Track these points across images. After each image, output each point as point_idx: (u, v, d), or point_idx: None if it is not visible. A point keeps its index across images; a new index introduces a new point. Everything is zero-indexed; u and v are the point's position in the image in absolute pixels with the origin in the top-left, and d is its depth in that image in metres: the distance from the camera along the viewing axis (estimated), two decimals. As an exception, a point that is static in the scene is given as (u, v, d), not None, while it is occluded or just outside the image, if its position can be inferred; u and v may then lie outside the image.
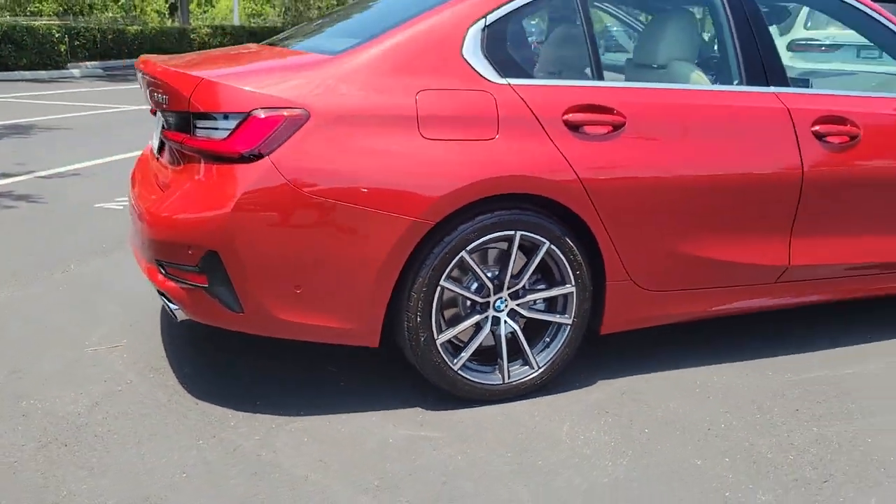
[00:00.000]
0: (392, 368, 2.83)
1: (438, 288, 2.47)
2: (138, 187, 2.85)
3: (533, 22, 3.47)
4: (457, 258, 2.47)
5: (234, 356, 2.94)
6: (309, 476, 2.20)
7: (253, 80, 2.39)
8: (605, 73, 2.73)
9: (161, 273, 2.49)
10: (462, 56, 2.51)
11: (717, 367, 2.95)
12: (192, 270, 2.40)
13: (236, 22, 28.49)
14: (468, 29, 2.54)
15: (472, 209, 2.44)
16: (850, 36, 6.49)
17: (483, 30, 2.56)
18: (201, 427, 2.44)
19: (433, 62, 2.49)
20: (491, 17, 2.58)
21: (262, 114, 2.30)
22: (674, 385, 2.80)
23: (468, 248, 2.47)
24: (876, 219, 3.04)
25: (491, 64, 2.54)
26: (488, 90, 2.50)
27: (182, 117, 2.44)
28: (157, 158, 2.82)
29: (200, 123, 2.38)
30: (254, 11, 40.04)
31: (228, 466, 2.23)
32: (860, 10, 3.13)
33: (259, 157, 2.30)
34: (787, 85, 2.92)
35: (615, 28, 4.05)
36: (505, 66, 2.56)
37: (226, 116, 2.34)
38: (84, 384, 2.70)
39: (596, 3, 2.93)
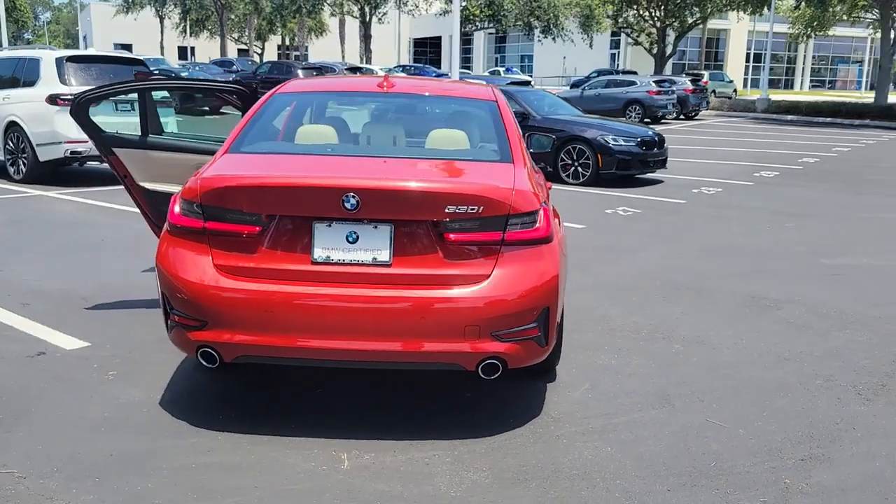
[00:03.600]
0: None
1: None
2: (346, 311, 3.21)
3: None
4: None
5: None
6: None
7: (528, 186, 3.47)
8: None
9: (497, 341, 3.26)
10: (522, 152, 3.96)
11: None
12: (529, 327, 3.32)
13: None
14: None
15: None
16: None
17: None
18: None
19: (526, 159, 3.90)
20: None
21: (544, 209, 3.45)
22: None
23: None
24: None
25: None
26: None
27: (490, 220, 3.27)
28: (388, 266, 3.25)
29: (514, 221, 3.31)
30: None
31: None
32: None
33: (551, 236, 3.45)
34: None
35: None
36: None
37: (531, 214, 3.36)
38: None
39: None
